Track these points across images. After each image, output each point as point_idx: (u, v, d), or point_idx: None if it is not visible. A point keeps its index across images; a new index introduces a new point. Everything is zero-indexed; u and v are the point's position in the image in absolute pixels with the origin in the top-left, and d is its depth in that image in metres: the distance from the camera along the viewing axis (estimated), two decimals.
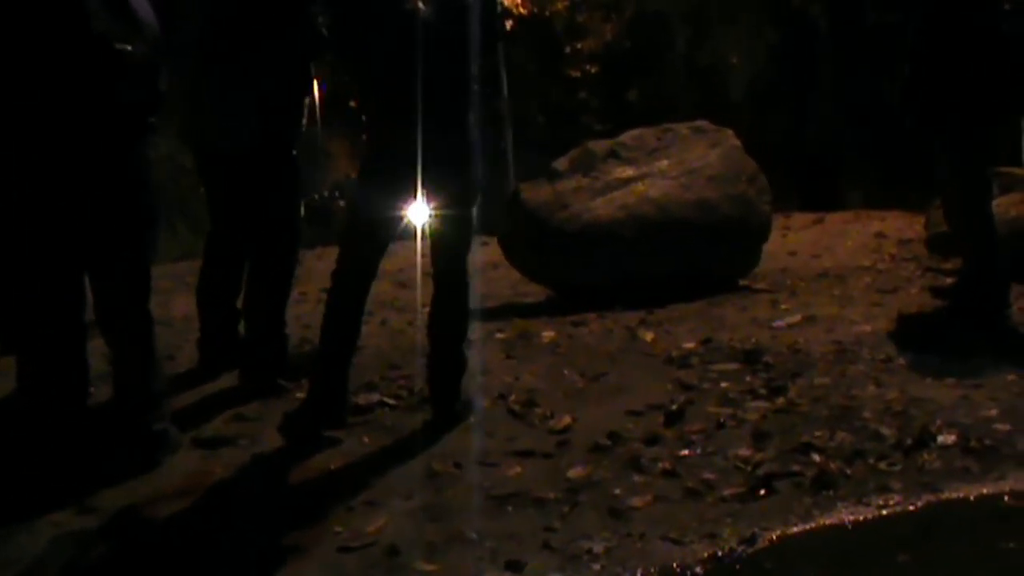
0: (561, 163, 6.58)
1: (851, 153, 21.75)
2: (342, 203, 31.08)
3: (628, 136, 6.80)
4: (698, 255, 6.30)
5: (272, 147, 4.67)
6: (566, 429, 4.21)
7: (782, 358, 4.87)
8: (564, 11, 30.43)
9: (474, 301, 6.62)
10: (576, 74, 31.32)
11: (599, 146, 6.70)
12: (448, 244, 4.26)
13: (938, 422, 4.03)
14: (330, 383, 4.19)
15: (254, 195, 4.72)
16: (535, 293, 6.89)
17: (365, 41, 4.02)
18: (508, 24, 31.88)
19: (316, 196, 32.53)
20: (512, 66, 31.69)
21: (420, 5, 3.95)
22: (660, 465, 3.79)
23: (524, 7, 31.80)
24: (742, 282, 6.70)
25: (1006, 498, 3.52)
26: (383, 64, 3.98)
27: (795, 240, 10.02)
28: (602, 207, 6.26)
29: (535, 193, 6.39)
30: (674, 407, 4.29)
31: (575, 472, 3.78)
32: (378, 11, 3.96)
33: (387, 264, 9.83)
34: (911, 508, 3.47)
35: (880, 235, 9.42)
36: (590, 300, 6.15)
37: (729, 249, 6.44)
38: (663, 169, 6.45)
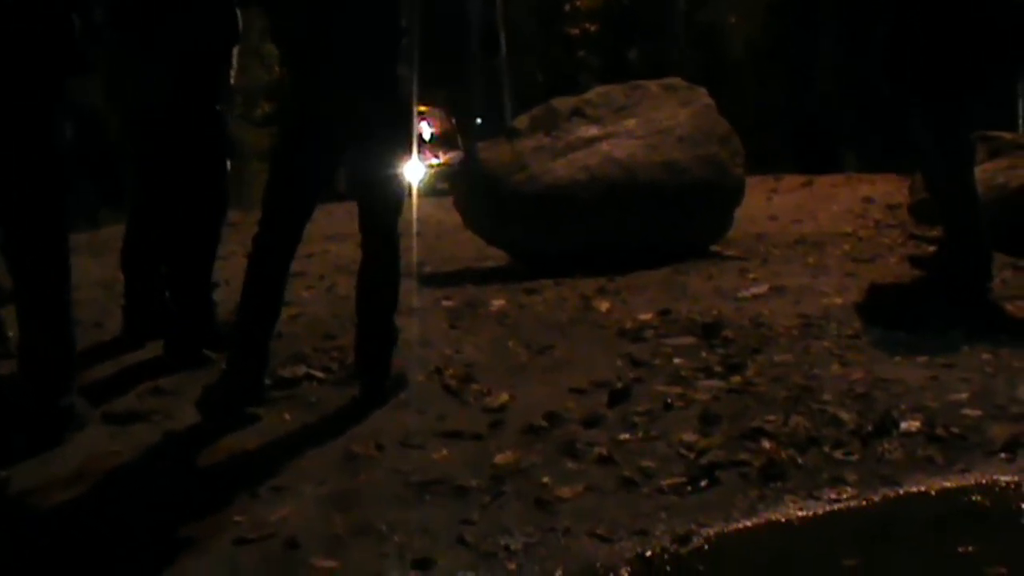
0: (521, 121, 6.26)
1: (850, 114, 21.50)
2: None
3: (594, 93, 6.49)
4: (665, 220, 6.01)
5: (193, 106, 4.35)
6: (502, 408, 3.92)
7: (743, 332, 4.58)
8: None
9: (427, 266, 6.50)
10: (575, 32, 31.08)
11: (563, 103, 6.38)
12: (375, 207, 3.95)
13: (902, 406, 3.73)
14: (248, 356, 3.88)
15: (177, 157, 4.41)
16: (497, 257, 6.61)
17: None
18: None
19: None
20: (511, 24, 31.40)
21: None
22: (596, 450, 3.49)
23: None
24: (713, 248, 6.42)
25: (971, 493, 3.21)
26: (297, 10, 3.66)
27: (779, 204, 9.77)
28: (562, 168, 5.95)
29: (492, 152, 6.08)
30: (620, 385, 4.00)
31: (503, 457, 3.49)
32: None
33: (337, 226, 9.67)
34: (865, 503, 3.17)
35: (867, 200, 9.15)
36: (549, 266, 5.87)
37: (698, 214, 6.15)
38: (630, 128, 6.14)
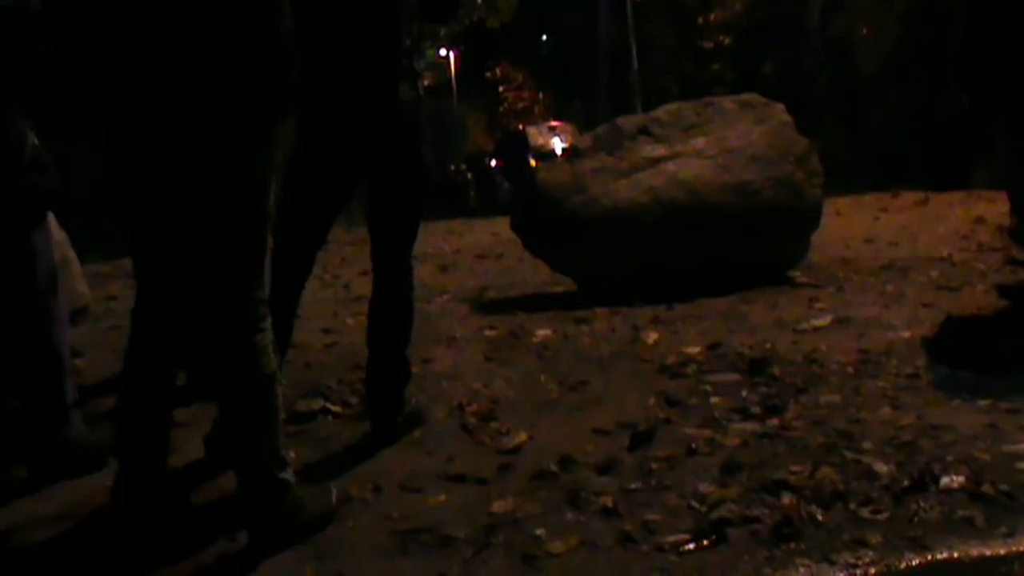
0: (584, 140, 6.01)
1: (981, 128, 20.64)
2: (470, 176, 30.81)
3: (663, 110, 6.21)
4: (733, 245, 5.71)
5: None
6: (516, 449, 3.69)
7: (792, 369, 4.26)
8: None
9: (491, 290, 6.34)
10: (709, 46, 30.70)
11: (628, 122, 6.13)
12: (386, 235, 3.75)
13: (949, 458, 3.37)
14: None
15: None
16: (568, 283, 6.39)
17: None
18: None
19: (452, 168, 32.39)
20: (644, 38, 31.13)
21: None
22: (602, 500, 3.23)
23: None
24: (791, 273, 6.06)
25: (1012, 562, 2.85)
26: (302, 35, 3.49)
27: (883, 224, 9.37)
28: (624, 190, 5.70)
29: (552, 173, 5.86)
30: (643, 427, 3.71)
31: (502, 505, 3.25)
32: None
33: (427, 245, 9.54)
34: (886, 569, 2.83)
35: (979, 220, 8.69)
36: (609, 292, 5.62)
37: (770, 239, 5.81)
38: (699, 148, 5.84)
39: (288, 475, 2.99)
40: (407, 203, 3.73)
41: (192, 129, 2.71)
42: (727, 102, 6.27)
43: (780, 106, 6.30)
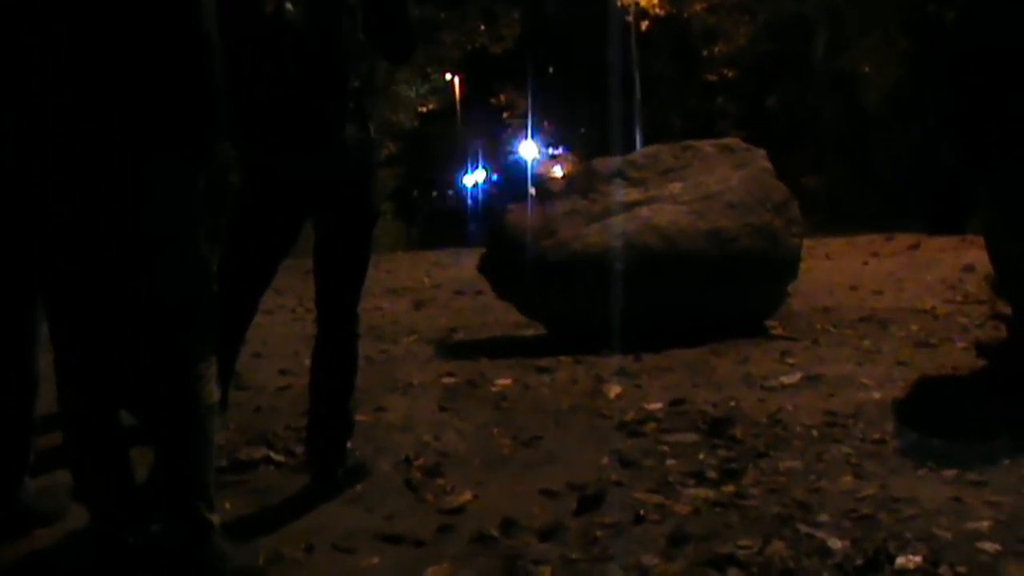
0: (557, 182, 5.89)
1: (979, 172, 20.57)
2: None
3: (641, 153, 6.11)
4: (707, 294, 5.58)
5: None
6: (459, 509, 3.54)
7: (754, 431, 4.12)
8: (702, 12, 29.75)
9: (459, 332, 6.21)
10: (713, 78, 30.68)
11: (604, 164, 6.02)
12: (331, 281, 3.62)
13: (907, 534, 3.22)
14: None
15: None
16: (540, 326, 6.26)
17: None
18: (644, 25, 31.48)
19: (451, 193, 32.33)
20: (647, 69, 31.09)
21: (288, 5, 3.31)
22: (540, 570, 3.08)
23: (661, 8, 31.18)
24: (767, 322, 5.93)
25: None
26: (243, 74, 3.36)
27: (871, 270, 9.26)
28: (595, 234, 5.57)
29: (521, 215, 5.73)
30: (593, 491, 3.56)
31: (435, 571, 3.11)
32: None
33: (407, 278, 9.44)
34: None
35: (969, 268, 8.56)
36: (578, 338, 5.49)
37: (746, 288, 5.68)
38: (675, 193, 5.72)
39: (214, 518, 2.84)
40: (353, 249, 3.60)
41: (125, 168, 2.60)
42: (706, 146, 6.16)
43: (761, 151, 6.19)
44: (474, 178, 45.00)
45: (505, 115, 44.42)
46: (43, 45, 2.53)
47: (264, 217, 3.56)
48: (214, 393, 2.80)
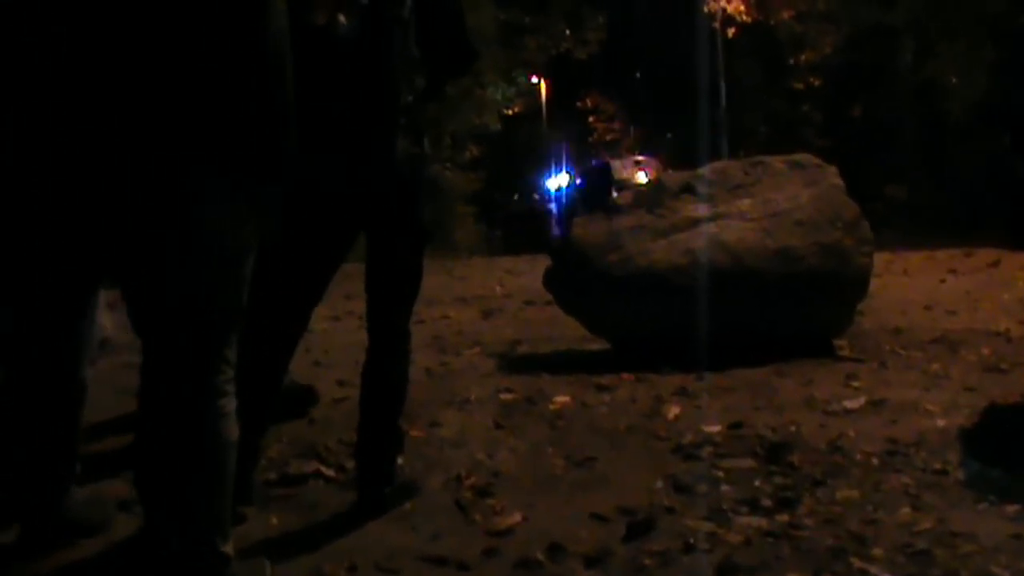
0: (624, 196, 5.82)
1: None
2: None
3: (710, 168, 5.99)
4: (773, 313, 5.47)
5: None
6: (507, 531, 3.49)
7: (813, 458, 4.01)
8: (789, 20, 29.41)
9: (523, 344, 6.15)
10: (800, 86, 30.32)
11: (673, 179, 5.94)
12: (381, 299, 3.58)
13: (963, 573, 3.10)
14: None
15: None
16: (605, 341, 6.18)
17: None
18: (731, 32, 31.28)
19: (536, 196, 32.44)
20: (733, 75, 30.86)
21: (340, 18, 3.28)
22: None
23: (748, 15, 30.90)
24: (836, 343, 5.80)
25: None
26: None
27: (947, 288, 9.03)
28: (661, 250, 5.48)
29: (588, 229, 5.66)
30: (644, 516, 3.49)
31: None
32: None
33: (479, 286, 9.44)
34: None
35: None
36: (640, 354, 5.41)
37: (813, 308, 5.55)
38: (743, 209, 5.61)
39: (229, 549, 2.81)
40: (403, 266, 3.57)
41: (174, 185, 2.56)
42: (777, 162, 6.04)
43: (832, 168, 6.05)
44: (557, 181, 44.98)
45: (591, 119, 44.39)
46: (81, 53, 2.49)
47: (314, 232, 3.53)
48: (235, 430, 2.75)
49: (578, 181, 38.70)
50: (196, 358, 2.71)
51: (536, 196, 42.91)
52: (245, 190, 2.70)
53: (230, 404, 2.79)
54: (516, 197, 42.36)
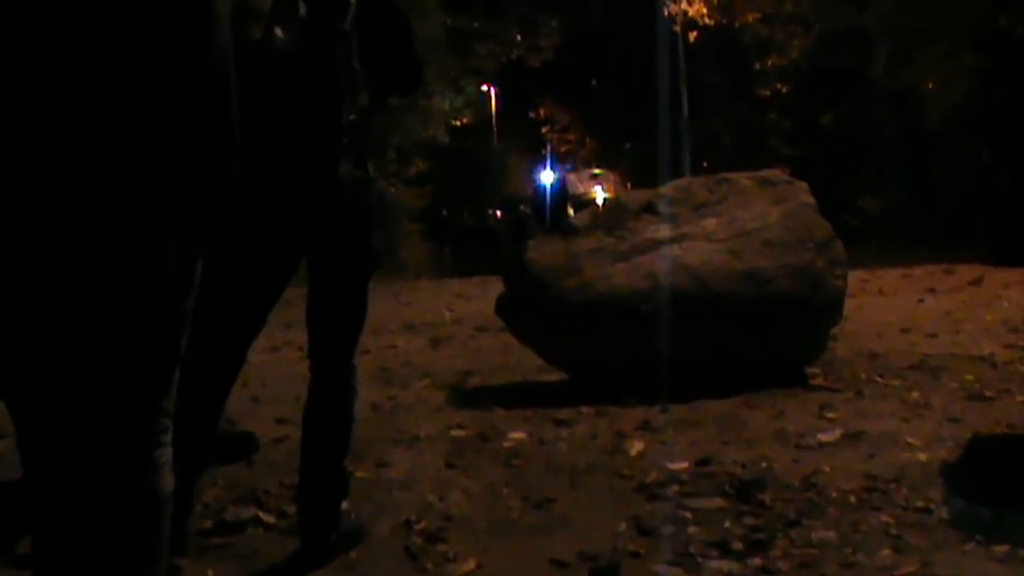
0: (582, 217, 5.85)
1: None
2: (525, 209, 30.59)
3: (672, 187, 6.04)
4: (741, 340, 5.51)
5: None
6: None
7: (786, 495, 4.03)
8: (755, 23, 29.66)
9: (475, 376, 6.14)
10: (766, 93, 30.58)
11: (633, 197, 5.97)
12: (324, 331, 3.57)
13: None
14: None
15: None
16: (560, 372, 6.21)
17: None
18: (692, 36, 31.44)
19: (490, 212, 32.45)
20: (696, 82, 31.07)
21: (278, 32, 3.27)
22: None
23: (711, 18, 31.13)
24: (808, 370, 5.85)
25: None
26: None
27: (926, 309, 9.15)
28: (622, 274, 5.52)
29: (544, 251, 5.67)
30: (606, 562, 3.49)
31: None
32: None
33: (428, 312, 9.43)
34: None
35: None
36: (600, 386, 5.45)
37: (783, 334, 5.59)
38: (708, 230, 5.66)
39: None
40: (348, 297, 3.55)
41: (131, 222, 2.51)
42: (743, 179, 6.09)
43: (803, 185, 6.12)
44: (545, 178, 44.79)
45: (544, 130, 44.45)
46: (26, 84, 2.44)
47: (252, 260, 3.50)
48: (170, 482, 2.71)
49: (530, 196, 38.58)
50: (132, 408, 2.67)
51: (490, 211, 42.58)
52: (189, 224, 2.66)
53: (166, 455, 2.76)
54: (466, 214, 42.43)
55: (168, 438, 2.71)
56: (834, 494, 4.07)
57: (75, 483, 2.51)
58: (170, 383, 2.66)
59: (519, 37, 31.45)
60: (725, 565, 3.52)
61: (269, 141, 3.34)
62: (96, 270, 2.45)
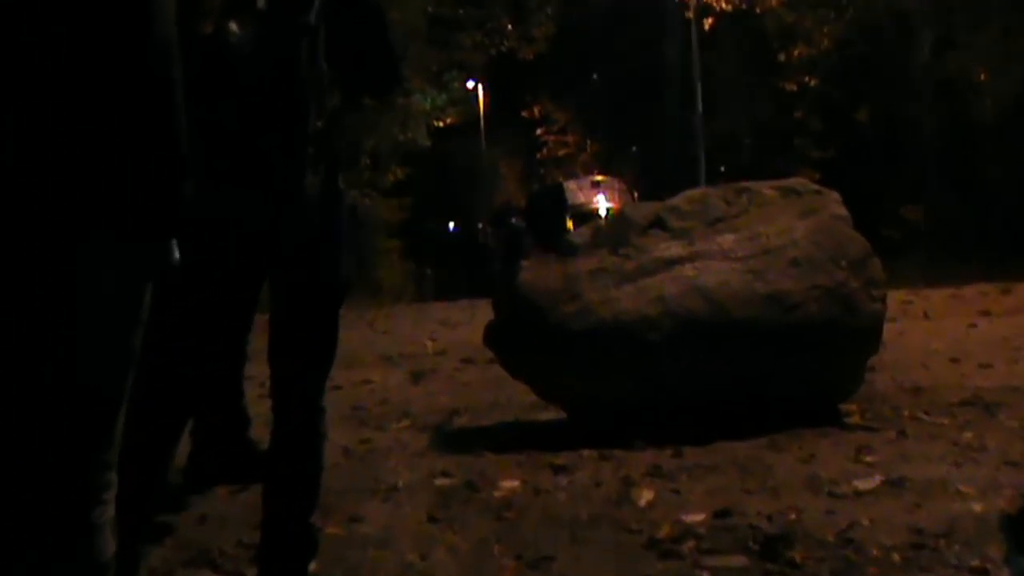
0: (582, 233, 5.88)
1: None
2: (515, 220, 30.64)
3: (684, 198, 6.06)
4: (764, 373, 5.52)
5: None
6: None
7: (818, 553, 4.03)
8: (778, 8, 29.72)
9: (462, 415, 6.17)
10: (792, 87, 30.66)
11: (640, 212, 6.00)
12: (289, 369, 3.56)
13: None
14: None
15: None
16: (559, 409, 6.25)
17: None
18: (707, 23, 31.46)
19: (480, 225, 32.62)
20: (712, 75, 31.16)
21: (231, 26, 3.28)
22: None
23: (729, 3, 31.18)
24: (842, 407, 5.88)
25: None
26: None
27: (978, 335, 9.18)
28: (628, 298, 5.55)
29: (539, 274, 5.70)
30: None
31: None
32: None
33: (407, 341, 9.42)
34: None
35: None
36: (603, 425, 5.50)
37: (813, 366, 5.62)
38: (726, 247, 5.69)
39: None
40: (315, 330, 3.54)
41: (57, 243, 2.51)
42: (766, 189, 6.12)
43: (834, 195, 6.15)
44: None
45: (539, 131, 44.60)
46: None
47: (207, 287, 3.51)
48: (111, 545, 2.71)
49: (525, 207, 38.70)
50: (66, 461, 2.67)
51: (480, 225, 42.67)
52: (125, 245, 2.66)
53: (107, 513, 2.75)
54: (452, 226, 42.60)
55: (110, 495, 2.71)
56: (874, 551, 4.06)
57: (3, 548, 2.51)
58: (112, 432, 2.65)
59: (509, 26, 31.48)
60: None
61: (222, 152, 3.35)
62: (16, 293, 2.45)
